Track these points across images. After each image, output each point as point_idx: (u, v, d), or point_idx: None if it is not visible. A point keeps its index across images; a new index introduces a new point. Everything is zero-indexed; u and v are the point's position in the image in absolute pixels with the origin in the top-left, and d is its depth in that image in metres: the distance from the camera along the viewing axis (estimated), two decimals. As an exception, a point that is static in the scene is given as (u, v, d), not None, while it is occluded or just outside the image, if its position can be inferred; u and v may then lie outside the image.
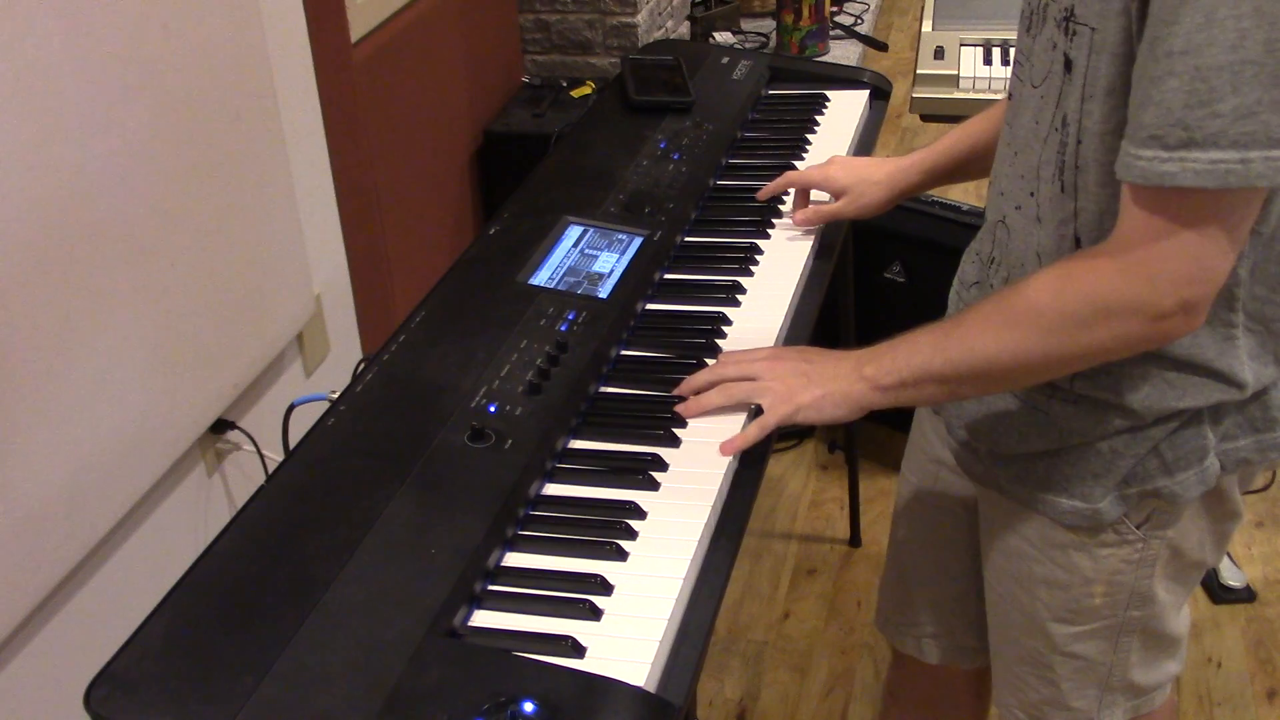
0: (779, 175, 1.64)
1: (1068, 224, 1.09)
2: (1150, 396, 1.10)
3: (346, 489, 1.10)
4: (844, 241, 1.60)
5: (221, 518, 1.74)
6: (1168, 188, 0.93)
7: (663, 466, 1.17)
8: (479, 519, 1.05)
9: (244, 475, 1.82)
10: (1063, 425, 1.16)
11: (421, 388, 1.22)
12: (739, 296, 1.44)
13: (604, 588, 1.03)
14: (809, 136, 1.82)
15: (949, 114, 2.34)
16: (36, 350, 1.31)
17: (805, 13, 3.34)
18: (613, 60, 2.91)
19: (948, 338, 1.10)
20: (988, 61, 2.35)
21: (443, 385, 1.22)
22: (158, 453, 1.54)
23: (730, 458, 1.18)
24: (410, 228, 2.38)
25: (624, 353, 1.35)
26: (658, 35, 3.05)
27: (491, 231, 1.50)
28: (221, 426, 1.71)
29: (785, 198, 1.63)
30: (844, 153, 1.77)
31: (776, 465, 2.73)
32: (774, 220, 1.59)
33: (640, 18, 2.88)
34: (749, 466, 1.19)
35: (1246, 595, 2.31)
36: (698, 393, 1.24)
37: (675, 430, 1.21)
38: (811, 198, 1.60)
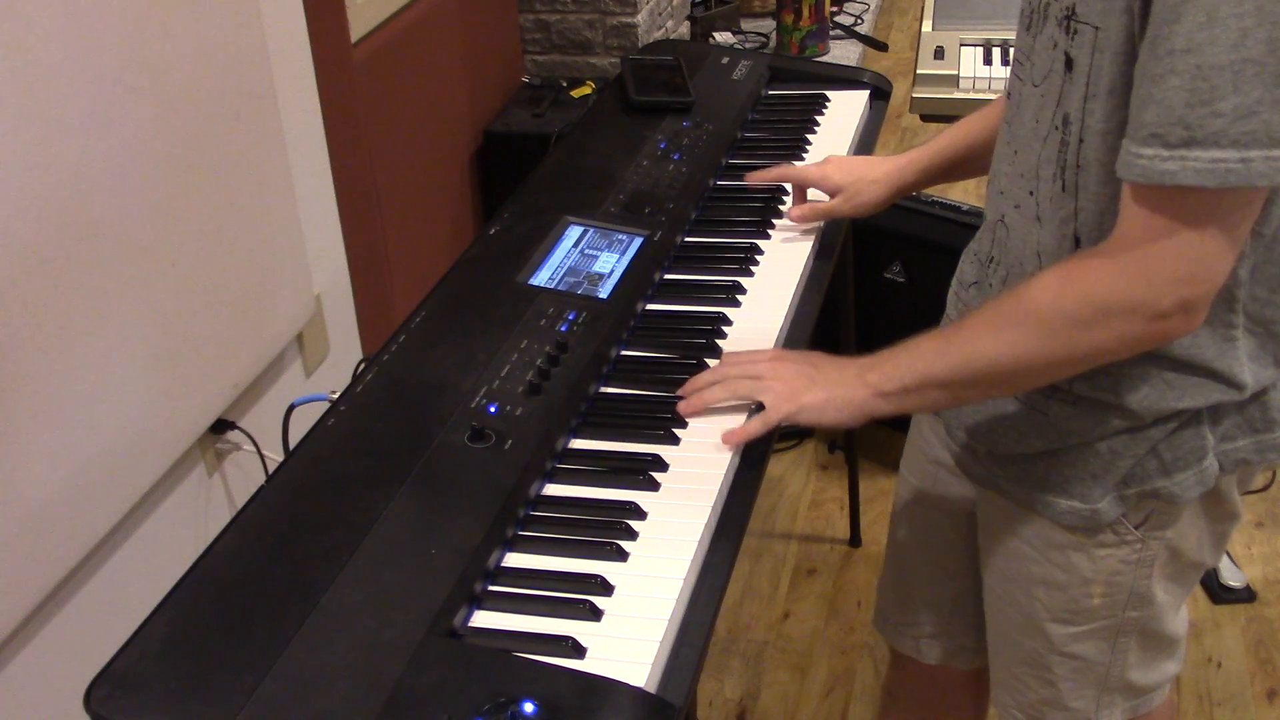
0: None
1: (1068, 223, 1.09)
2: (1149, 397, 1.10)
3: (346, 489, 1.10)
4: (844, 241, 1.60)
5: (221, 518, 1.74)
6: (1168, 186, 0.93)
7: (663, 467, 1.17)
8: (479, 519, 1.05)
9: (244, 475, 1.82)
10: (1061, 426, 1.16)
11: (421, 388, 1.22)
12: (739, 296, 1.44)
13: (604, 588, 1.03)
14: (809, 136, 1.82)
15: (949, 114, 2.33)
16: (37, 350, 1.31)
17: (805, 13, 3.34)
18: (613, 60, 2.91)
19: (949, 343, 1.10)
20: (988, 61, 2.35)
21: (443, 385, 1.22)
22: (158, 453, 1.54)
23: (730, 457, 1.18)
24: (410, 228, 2.38)
25: (624, 353, 1.35)
26: (658, 35, 3.05)
27: (491, 231, 1.50)
28: (221, 426, 1.71)
29: (785, 199, 1.63)
30: (844, 153, 1.77)
31: (776, 465, 2.73)
32: (774, 220, 1.59)
33: (640, 18, 2.88)
34: (749, 466, 1.19)
35: (1246, 595, 2.31)
36: (699, 391, 1.25)
37: (675, 430, 1.21)
38: (809, 196, 1.60)
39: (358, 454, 1.14)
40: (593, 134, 1.78)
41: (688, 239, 1.57)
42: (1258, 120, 0.89)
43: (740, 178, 1.71)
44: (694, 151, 1.70)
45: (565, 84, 2.87)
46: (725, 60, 1.98)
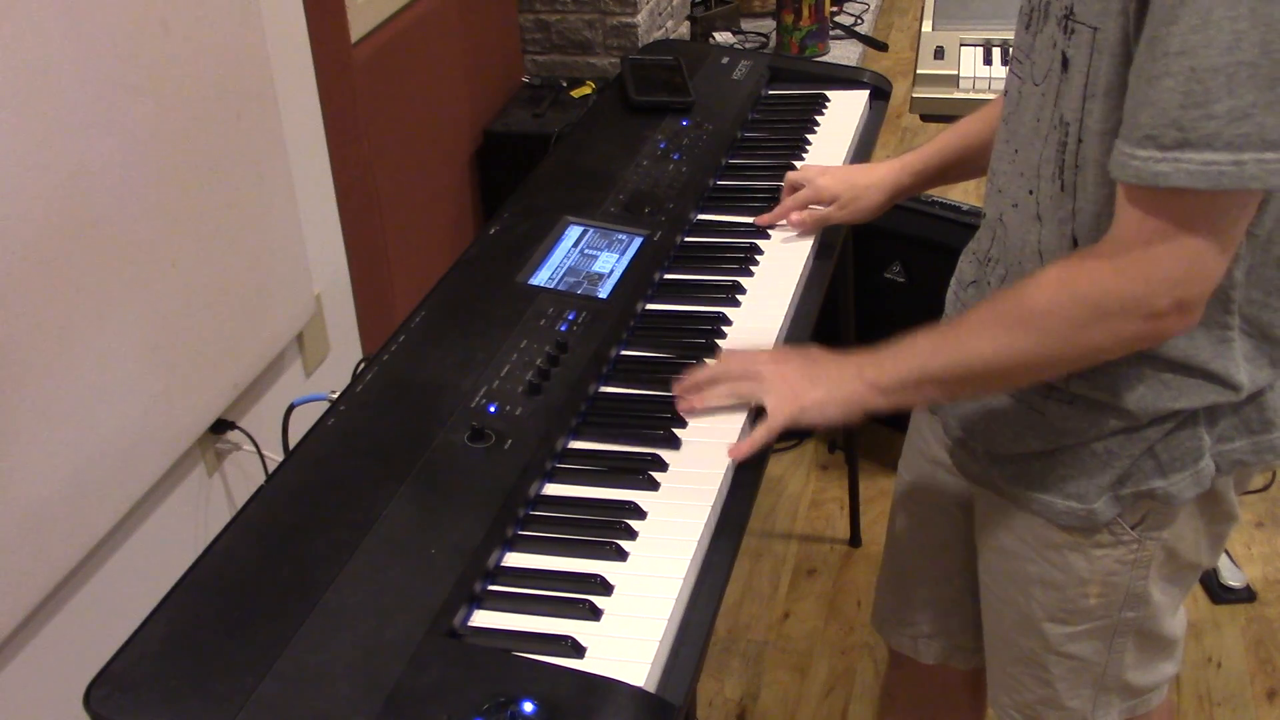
0: (778, 176, 1.64)
1: (1067, 223, 1.09)
2: (1146, 397, 1.11)
3: (346, 489, 1.10)
4: (844, 242, 1.61)
5: (221, 518, 1.74)
6: (1162, 188, 0.93)
7: (663, 466, 1.17)
8: (479, 519, 1.05)
9: (244, 475, 1.82)
10: (1058, 425, 1.16)
11: (421, 388, 1.22)
12: (739, 296, 1.44)
13: (604, 588, 1.03)
14: (809, 136, 1.82)
15: (949, 114, 2.33)
16: (37, 350, 1.31)
17: (805, 13, 3.34)
18: (613, 60, 2.91)
19: (946, 340, 1.11)
20: (988, 61, 2.35)
21: (443, 385, 1.22)
22: (158, 453, 1.54)
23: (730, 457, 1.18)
24: (410, 228, 2.38)
25: (624, 353, 1.35)
26: (658, 35, 3.05)
27: (491, 231, 1.50)
28: (221, 426, 1.71)
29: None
30: (844, 153, 1.77)
31: (776, 465, 2.73)
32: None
33: (640, 18, 2.88)
34: (749, 467, 1.19)
35: (1246, 595, 2.31)
36: (699, 388, 1.25)
37: (675, 430, 1.21)
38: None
39: (358, 454, 1.14)
40: (593, 134, 1.78)
41: (688, 239, 1.57)
42: (1251, 123, 0.89)
43: (740, 177, 1.71)
44: (694, 151, 1.70)
45: (565, 84, 2.87)
46: (725, 60, 1.98)
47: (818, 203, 1.55)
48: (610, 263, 1.43)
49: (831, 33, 3.53)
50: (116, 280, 1.42)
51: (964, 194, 3.15)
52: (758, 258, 1.52)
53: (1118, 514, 1.17)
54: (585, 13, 2.88)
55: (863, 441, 2.60)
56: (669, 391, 1.26)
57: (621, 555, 1.06)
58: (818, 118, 1.87)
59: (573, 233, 1.49)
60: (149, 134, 1.45)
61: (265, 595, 0.99)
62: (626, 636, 0.98)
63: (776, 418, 1.19)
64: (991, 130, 1.24)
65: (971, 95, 2.30)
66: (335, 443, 1.16)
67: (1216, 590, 2.32)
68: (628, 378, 1.31)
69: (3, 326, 1.26)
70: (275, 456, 1.75)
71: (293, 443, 1.25)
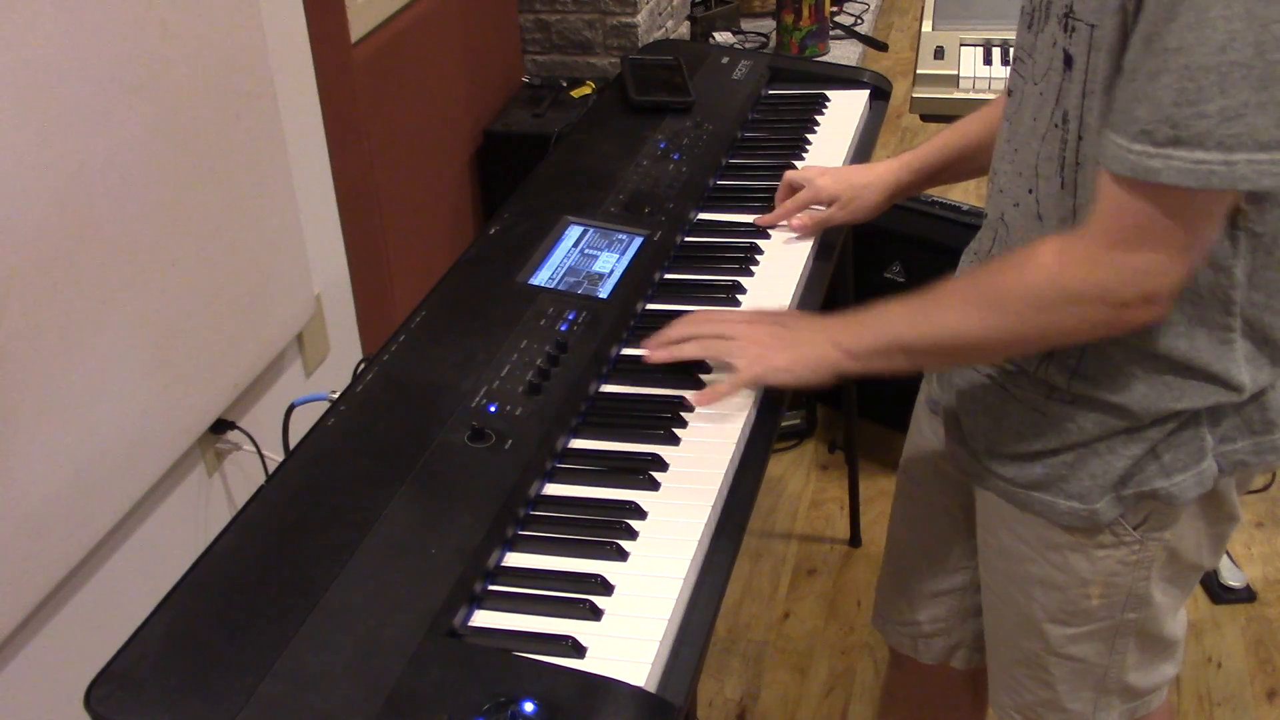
0: (778, 176, 1.64)
1: (1068, 221, 1.09)
2: (1148, 397, 1.11)
3: (346, 489, 1.10)
4: (844, 241, 1.60)
5: (221, 518, 1.74)
6: (1146, 182, 0.94)
7: (663, 466, 1.17)
8: (479, 519, 1.05)
9: (244, 475, 1.82)
10: (1060, 425, 1.16)
11: (421, 388, 1.22)
12: (739, 296, 1.44)
13: (604, 588, 1.03)
14: (809, 136, 1.82)
15: (949, 114, 2.33)
16: (37, 350, 1.31)
17: (805, 13, 3.34)
18: (613, 60, 2.91)
19: (919, 312, 1.13)
20: (988, 61, 2.35)
21: (443, 385, 1.22)
22: (158, 453, 1.54)
23: (730, 457, 1.18)
24: (410, 228, 2.38)
25: (624, 352, 1.35)
26: (658, 35, 3.05)
27: (491, 231, 1.50)
28: (221, 426, 1.71)
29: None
30: (844, 153, 1.77)
31: (776, 465, 2.73)
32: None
33: (640, 18, 2.88)
34: (749, 466, 1.19)
35: (1246, 595, 2.31)
36: (669, 344, 1.27)
37: (675, 430, 1.21)
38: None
39: (358, 454, 1.14)
40: (593, 134, 1.78)
41: (688, 239, 1.57)
42: (1243, 123, 0.89)
43: (740, 177, 1.71)
44: (694, 151, 1.70)
45: (565, 84, 2.87)
46: (725, 60, 1.98)
47: (817, 203, 1.56)
48: (610, 263, 1.43)
49: (831, 33, 3.53)
50: (116, 280, 1.42)
51: (964, 194, 3.16)
52: (758, 258, 1.52)
53: (1120, 514, 1.17)
54: (585, 13, 2.88)
55: (863, 441, 2.60)
56: (669, 391, 1.26)
57: (622, 555, 1.06)
58: (818, 118, 1.87)
59: (573, 233, 1.49)
60: (149, 134, 1.45)
61: (265, 595, 0.99)
62: (627, 636, 0.98)
63: (744, 375, 1.22)
64: (991, 130, 1.24)
65: (971, 95, 2.30)
66: (335, 443, 1.16)
67: (1216, 590, 2.32)
68: (628, 377, 1.31)
69: (3, 326, 1.26)
70: (275, 456, 1.75)
71: (293, 443, 1.25)
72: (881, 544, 2.47)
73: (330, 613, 0.97)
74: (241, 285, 1.67)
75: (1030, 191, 1.13)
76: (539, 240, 1.47)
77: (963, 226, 2.38)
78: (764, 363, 1.22)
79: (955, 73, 2.33)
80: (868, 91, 1.95)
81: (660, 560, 1.06)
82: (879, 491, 2.62)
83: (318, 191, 1.99)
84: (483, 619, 1.01)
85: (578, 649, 0.97)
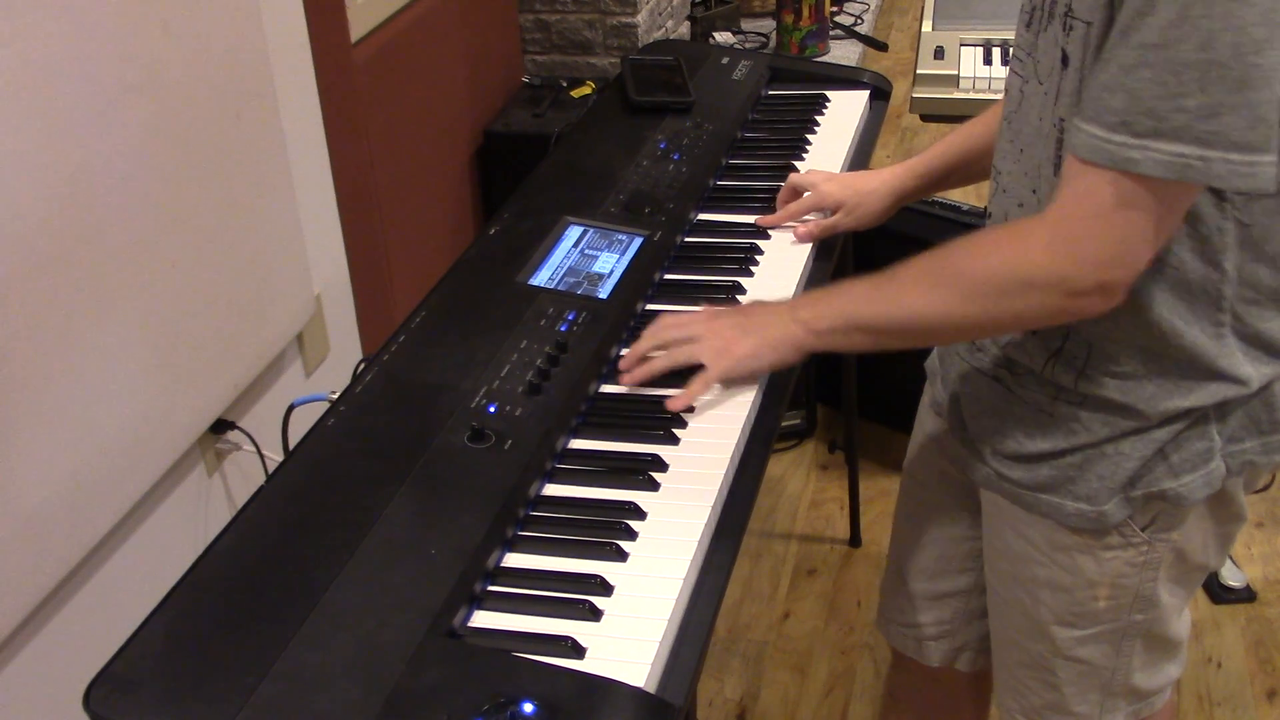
0: (779, 176, 1.65)
1: None
2: (1156, 397, 1.11)
3: (346, 489, 1.10)
4: (844, 242, 1.60)
5: (221, 518, 1.74)
6: (1121, 172, 0.94)
7: (663, 467, 1.17)
8: (479, 519, 1.05)
9: (244, 475, 1.81)
10: (1067, 427, 1.16)
11: (421, 388, 1.22)
12: (739, 297, 1.44)
13: (604, 588, 1.03)
14: (809, 137, 1.82)
15: (949, 114, 2.33)
16: (37, 350, 1.31)
17: (805, 13, 3.34)
18: (613, 60, 2.90)
19: (879, 291, 1.15)
20: (988, 61, 2.35)
21: (443, 385, 1.22)
22: (158, 453, 1.54)
23: (730, 457, 1.18)
24: (410, 228, 2.38)
25: (624, 353, 1.35)
26: (658, 35, 3.05)
27: (491, 231, 1.50)
28: (221, 426, 1.71)
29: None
30: (844, 153, 1.77)
31: (776, 465, 2.73)
32: (774, 220, 1.59)
33: (640, 18, 2.88)
34: (749, 466, 1.19)
35: (1246, 595, 2.31)
36: (642, 362, 1.28)
37: (675, 430, 1.21)
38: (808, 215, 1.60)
39: (358, 454, 1.14)
40: (593, 134, 1.78)
41: (688, 239, 1.56)
42: (1219, 122, 0.91)
43: (740, 177, 1.71)
44: (694, 151, 1.70)
45: (565, 84, 2.87)
46: (725, 60, 1.98)
47: (822, 209, 1.56)
48: (610, 263, 1.43)
49: (831, 33, 3.53)
50: (116, 280, 1.42)
51: (964, 194, 3.15)
52: (758, 258, 1.52)
53: (1128, 516, 1.17)
54: (585, 13, 2.88)
55: (863, 441, 2.60)
56: (668, 391, 1.26)
57: (621, 556, 1.06)
58: (818, 118, 1.87)
59: (573, 233, 1.49)
60: (149, 134, 1.45)
61: (265, 595, 0.99)
62: (627, 637, 0.98)
63: (712, 371, 1.23)
64: (994, 133, 1.24)
65: (971, 95, 2.30)
66: (335, 443, 1.16)
67: (1216, 590, 2.32)
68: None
69: (3, 326, 1.26)
70: (275, 456, 1.75)
71: (293, 443, 1.25)
72: (881, 544, 2.48)
73: (330, 613, 0.97)
74: (241, 285, 1.67)
75: (1034, 192, 1.13)
76: (539, 240, 1.47)
77: (963, 226, 2.37)
78: (729, 354, 1.23)
79: (955, 73, 2.33)
80: (868, 92, 1.95)
81: (660, 560, 1.06)
82: (879, 491, 2.62)
83: (318, 191, 1.99)
84: (483, 619, 1.01)
85: (577, 649, 0.97)
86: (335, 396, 1.23)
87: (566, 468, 1.18)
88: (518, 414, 1.18)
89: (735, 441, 1.20)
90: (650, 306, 1.43)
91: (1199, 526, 1.20)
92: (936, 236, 2.48)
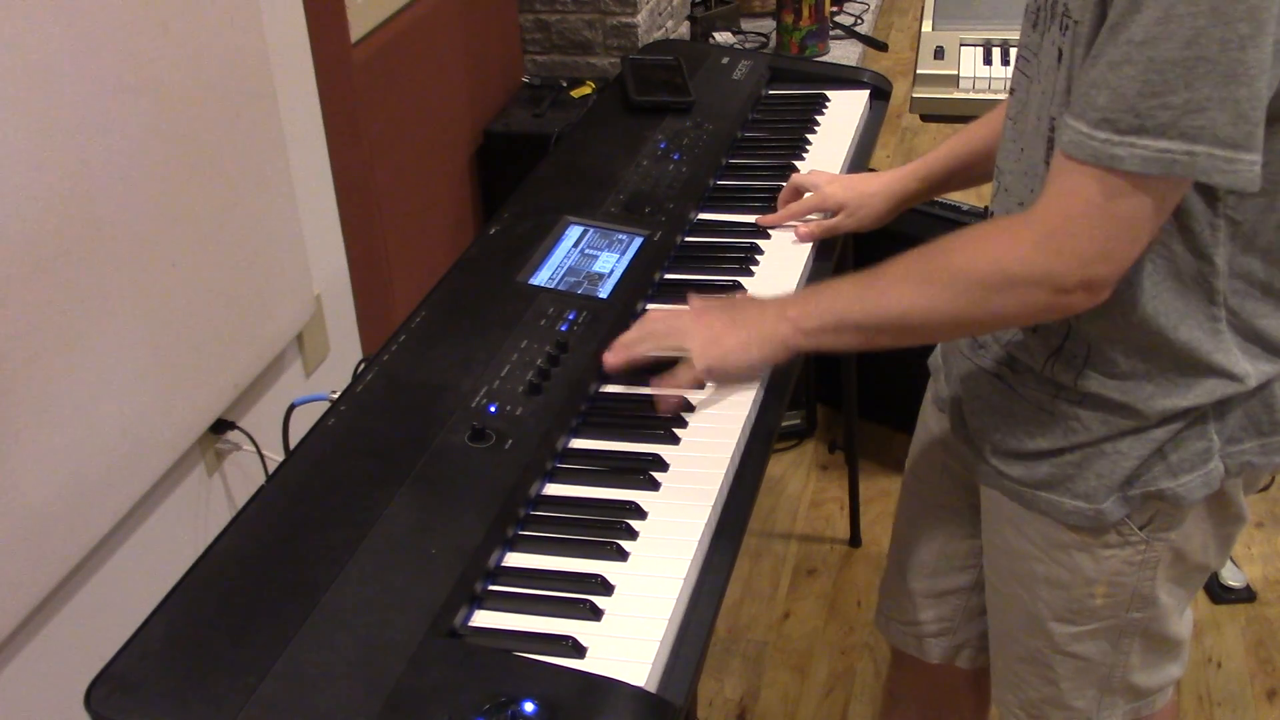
0: (779, 176, 1.65)
1: None
2: (1154, 395, 1.11)
3: (346, 489, 1.10)
4: (844, 242, 1.60)
5: (221, 518, 1.74)
6: (1107, 169, 0.95)
7: (663, 466, 1.17)
8: (479, 519, 1.05)
9: (244, 475, 1.81)
10: (1067, 425, 1.16)
11: (421, 388, 1.22)
12: (739, 297, 1.43)
13: (604, 588, 1.03)
14: (809, 136, 1.82)
15: (949, 114, 2.33)
16: (37, 350, 1.31)
17: (805, 13, 3.34)
18: (613, 60, 2.90)
19: (868, 289, 1.14)
20: (988, 61, 2.35)
21: (443, 385, 1.22)
22: (158, 453, 1.54)
23: (730, 457, 1.18)
24: (410, 228, 2.38)
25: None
26: (658, 35, 3.05)
27: (491, 231, 1.50)
28: (221, 426, 1.71)
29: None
30: (844, 153, 1.77)
31: (776, 465, 2.73)
32: (774, 220, 1.59)
33: (640, 18, 2.88)
34: (749, 466, 1.19)
35: (1246, 595, 2.31)
36: (626, 347, 1.28)
37: (675, 430, 1.21)
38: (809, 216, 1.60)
39: (358, 454, 1.14)
40: (593, 134, 1.78)
41: (688, 239, 1.56)
42: (1205, 117, 0.91)
43: (741, 177, 1.71)
44: (694, 151, 1.70)
45: (565, 84, 2.87)
46: (725, 60, 1.98)
47: (824, 210, 1.56)
48: (610, 263, 1.43)
49: (831, 33, 3.53)
50: (116, 280, 1.42)
51: (964, 193, 3.15)
52: (758, 258, 1.52)
53: (1126, 514, 1.17)
54: (585, 13, 2.88)
55: (863, 441, 2.60)
56: (668, 391, 1.26)
57: (622, 555, 1.06)
58: (818, 118, 1.87)
59: (573, 233, 1.49)
60: (149, 134, 1.45)
61: (265, 595, 0.99)
62: (627, 636, 0.98)
63: (699, 364, 1.23)
64: (997, 135, 1.24)
65: (971, 95, 2.30)
66: (335, 443, 1.16)
67: (1216, 590, 2.32)
68: (628, 377, 1.30)
69: (3, 326, 1.26)
70: (275, 456, 1.75)
71: (293, 443, 1.25)
72: (881, 544, 2.48)
73: (330, 613, 0.97)
74: (241, 285, 1.67)
75: (1032, 191, 1.13)
76: (539, 240, 1.47)
77: (963, 226, 2.37)
78: (717, 347, 1.22)
79: (955, 73, 2.33)
80: (868, 91, 1.95)
81: (660, 560, 1.06)
82: (879, 491, 2.62)
83: (318, 191, 1.99)
84: (483, 619, 1.01)
85: (578, 649, 0.97)
86: (335, 396, 1.23)
87: (567, 467, 1.18)
88: (518, 414, 1.18)
89: (735, 441, 1.20)
90: (651, 306, 1.43)
91: (1198, 527, 1.20)
92: (936, 236, 2.48)
